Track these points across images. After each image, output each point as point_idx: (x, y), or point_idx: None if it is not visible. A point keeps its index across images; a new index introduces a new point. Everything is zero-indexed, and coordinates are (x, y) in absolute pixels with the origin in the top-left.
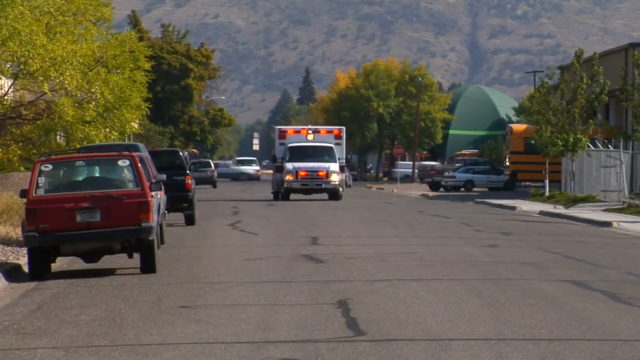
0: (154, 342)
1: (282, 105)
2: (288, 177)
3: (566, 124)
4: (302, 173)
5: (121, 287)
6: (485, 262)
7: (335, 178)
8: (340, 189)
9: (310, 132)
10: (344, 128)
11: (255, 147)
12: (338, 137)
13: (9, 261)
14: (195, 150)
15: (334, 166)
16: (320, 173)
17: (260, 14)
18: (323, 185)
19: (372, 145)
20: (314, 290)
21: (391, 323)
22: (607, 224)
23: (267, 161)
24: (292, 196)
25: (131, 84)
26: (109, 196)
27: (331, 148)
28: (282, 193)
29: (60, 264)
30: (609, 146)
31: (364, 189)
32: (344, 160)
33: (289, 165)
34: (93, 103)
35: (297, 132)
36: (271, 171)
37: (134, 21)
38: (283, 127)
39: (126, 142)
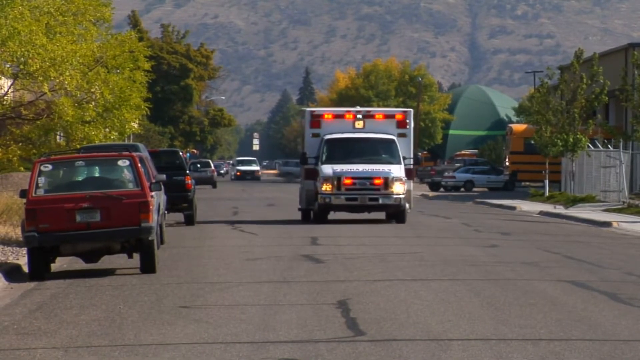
0: (153, 342)
1: (282, 106)
2: (325, 187)
3: (566, 124)
4: (348, 181)
5: (121, 287)
6: (485, 262)
7: (399, 188)
8: (407, 205)
9: (359, 116)
10: (411, 111)
11: (255, 147)
12: (402, 124)
13: (8, 261)
14: (195, 151)
15: (397, 170)
16: (376, 181)
17: (260, 14)
18: (380, 200)
19: None
20: (313, 291)
21: (391, 323)
22: (607, 224)
23: (267, 161)
24: (332, 214)
25: (131, 84)
26: (109, 196)
27: (392, 142)
28: (316, 211)
29: (60, 264)
30: (609, 146)
31: None
32: (413, 161)
33: (327, 169)
34: (93, 103)
35: (339, 116)
36: (272, 171)
37: (133, 21)
38: (317, 110)
39: (126, 142)
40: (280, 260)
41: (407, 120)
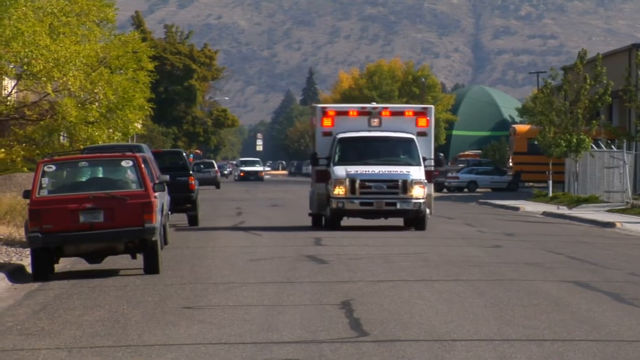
0: (157, 342)
1: (285, 106)
2: (338, 191)
3: (569, 125)
4: (363, 184)
5: (124, 288)
6: (488, 263)
7: (418, 192)
8: (427, 211)
9: (375, 113)
10: (432, 108)
11: (259, 147)
12: (422, 122)
13: (12, 262)
14: (198, 151)
15: (417, 172)
16: (394, 184)
17: (264, 14)
18: (398, 205)
19: None
20: (317, 291)
21: (395, 324)
22: (611, 224)
23: (270, 162)
24: (345, 220)
25: (134, 84)
26: (113, 197)
27: (411, 141)
28: (328, 217)
29: (63, 264)
30: (612, 147)
31: None
32: (434, 162)
33: (340, 170)
34: (96, 104)
35: (353, 113)
36: (276, 171)
37: (137, 22)
38: (329, 106)
39: (129, 142)
40: (284, 261)
41: (428, 118)
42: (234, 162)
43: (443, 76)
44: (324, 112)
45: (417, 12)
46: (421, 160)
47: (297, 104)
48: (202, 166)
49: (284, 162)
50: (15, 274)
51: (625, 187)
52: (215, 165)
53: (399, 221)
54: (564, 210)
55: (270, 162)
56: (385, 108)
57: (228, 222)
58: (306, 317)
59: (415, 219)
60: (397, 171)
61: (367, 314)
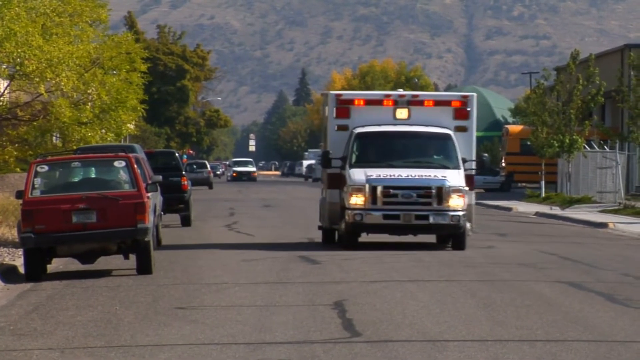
0: (150, 343)
1: (278, 107)
2: (355, 200)
3: (562, 125)
4: (387, 191)
5: (117, 288)
6: (481, 263)
7: (457, 202)
8: (468, 225)
9: (402, 103)
10: (474, 95)
11: (252, 148)
12: (461, 114)
13: (4, 262)
14: (192, 152)
15: (455, 177)
16: (426, 192)
17: (256, 15)
18: (431, 219)
19: None
20: (310, 292)
21: (387, 324)
22: (603, 225)
23: (262, 162)
24: (364, 236)
25: (127, 85)
26: (105, 197)
27: (448, 138)
28: (342, 232)
29: (56, 265)
30: (605, 147)
31: None
32: (476, 164)
33: (358, 174)
34: (89, 104)
35: (375, 103)
36: (268, 172)
37: (130, 22)
38: (345, 94)
39: (122, 143)
40: (277, 261)
41: (469, 109)
42: (227, 163)
43: (435, 77)
44: (339, 101)
45: (410, 13)
46: (460, 162)
47: (290, 104)
48: (194, 166)
49: (276, 163)
50: (8, 274)
51: (618, 188)
52: (208, 166)
53: (431, 237)
54: (556, 210)
55: (263, 162)
56: (416, 96)
57: (221, 223)
58: (299, 318)
59: (452, 236)
60: (430, 176)
61: (360, 314)
